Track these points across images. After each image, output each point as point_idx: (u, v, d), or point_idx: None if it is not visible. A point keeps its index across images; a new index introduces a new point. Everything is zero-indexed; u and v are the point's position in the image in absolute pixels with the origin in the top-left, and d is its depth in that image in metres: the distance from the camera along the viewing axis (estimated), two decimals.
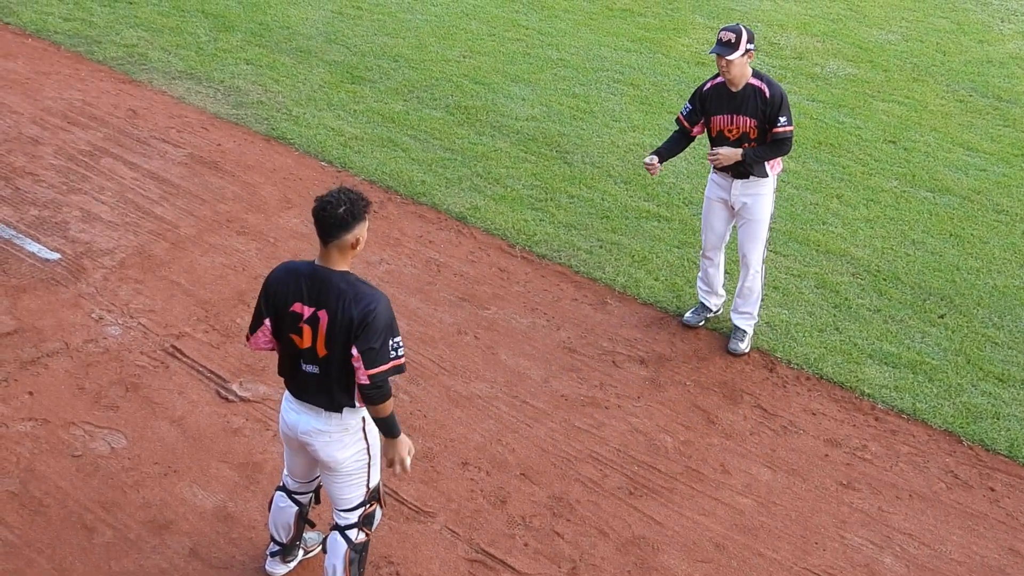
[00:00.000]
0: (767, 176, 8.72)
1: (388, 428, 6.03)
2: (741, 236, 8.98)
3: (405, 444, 6.12)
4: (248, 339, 6.15)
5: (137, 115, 12.00)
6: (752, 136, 8.55)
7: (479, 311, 9.43)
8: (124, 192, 10.55)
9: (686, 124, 8.81)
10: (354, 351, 5.76)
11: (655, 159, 8.74)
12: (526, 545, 7.27)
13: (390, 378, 5.88)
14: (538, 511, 7.54)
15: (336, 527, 6.39)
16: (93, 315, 8.92)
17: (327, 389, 5.95)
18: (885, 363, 9.20)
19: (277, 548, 6.79)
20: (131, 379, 8.31)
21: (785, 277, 10.16)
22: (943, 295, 10.11)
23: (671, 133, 9.07)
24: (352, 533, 6.37)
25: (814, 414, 8.65)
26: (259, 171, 11.18)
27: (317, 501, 6.74)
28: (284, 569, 6.89)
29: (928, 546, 7.58)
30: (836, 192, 11.64)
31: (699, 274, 9.46)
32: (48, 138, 11.39)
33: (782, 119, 8.46)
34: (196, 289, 9.34)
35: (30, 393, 8.09)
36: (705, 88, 8.71)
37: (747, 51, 8.32)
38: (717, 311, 9.51)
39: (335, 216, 5.67)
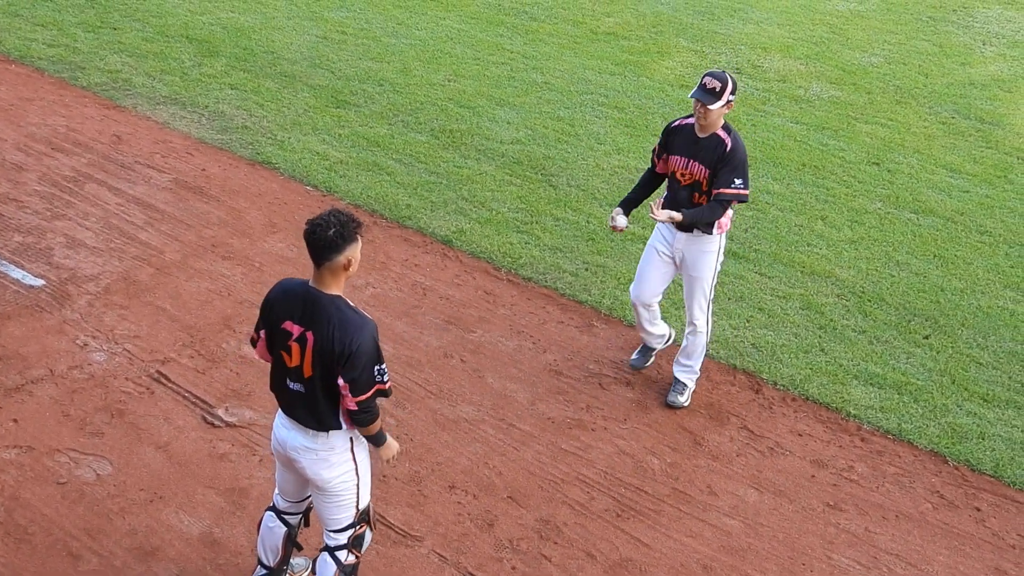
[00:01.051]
0: (712, 234, 8.27)
1: (376, 441, 6.24)
2: (685, 292, 8.63)
3: (392, 448, 6.35)
4: (255, 346, 6.28)
5: (121, 141, 11.99)
6: (704, 187, 8.09)
7: (465, 334, 9.43)
8: (109, 218, 10.54)
9: (654, 159, 8.42)
10: (340, 380, 5.84)
11: (619, 216, 8.27)
12: (514, 569, 7.25)
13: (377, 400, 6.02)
14: (526, 534, 7.52)
15: (326, 548, 6.40)
16: (78, 341, 8.89)
17: (313, 408, 5.99)
18: (870, 384, 9.22)
19: (264, 572, 6.77)
20: (116, 405, 8.29)
21: (770, 299, 10.19)
22: (928, 316, 10.15)
23: (645, 172, 8.67)
24: (341, 554, 6.37)
25: (800, 435, 8.66)
26: (244, 196, 11.17)
27: (306, 524, 6.73)
28: None
29: (915, 566, 7.58)
30: (820, 214, 11.68)
31: (637, 321, 9.02)
32: (32, 164, 11.37)
33: (737, 181, 7.97)
34: (181, 315, 9.32)
35: (14, 420, 8.06)
36: (673, 124, 8.32)
37: (728, 102, 7.92)
38: (667, 343, 9.27)
39: (325, 239, 5.71)
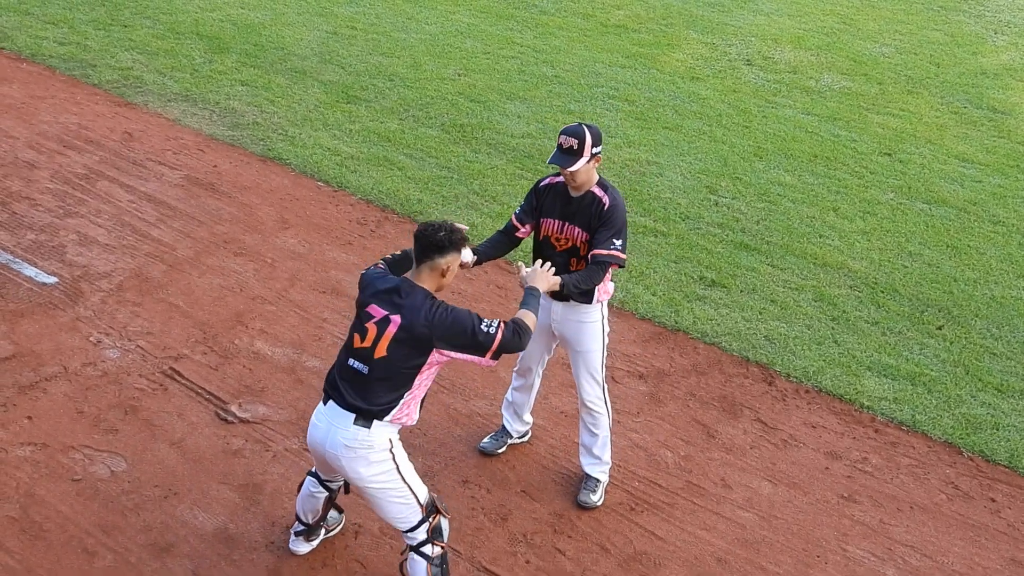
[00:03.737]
0: (591, 303, 7.28)
1: (533, 304, 6.52)
2: (573, 369, 7.58)
3: (546, 279, 6.71)
4: None
5: (133, 138, 12.01)
6: (583, 252, 7.12)
7: None
8: (121, 215, 10.55)
9: (515, 222, 7.39)
10: (456, 355, 6.07)
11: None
12: (528, 562, 7.25)
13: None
14: (539, 528, 7.52)
15: (410, 548, 6.49)
16: (91, 338, 8.91)
17: (366, 392, 6.08)
18: (884, 375, 9.19)
19: (302, 528, 6.99)
20: (130, 402, 8.30)
21: (783, 291, 10.17)
22: (941, 306, 10.12)
23: (497, 232, 7.59)
24: (426, 549, 6.48)
25: (814, 427, 8.64)
26: (255, 192, 11.18)
27: (346, 491, 6.85)
28: (307, 548, 7.09)
29: (930, 558, 7.56)
30: (832, 205, 11.66)
31: (507, 393, 8.18)
32: (44, 162, 11.40)
33: (617, 242, 6.99)
34: (194, 311, 9.33)
35: (29, 418, 8.08)
36: (542, 185, 7.31)
37: (593, 156, 6.90)
38: (521, 439, 8.26)
39: (435, 238, 6.06)
